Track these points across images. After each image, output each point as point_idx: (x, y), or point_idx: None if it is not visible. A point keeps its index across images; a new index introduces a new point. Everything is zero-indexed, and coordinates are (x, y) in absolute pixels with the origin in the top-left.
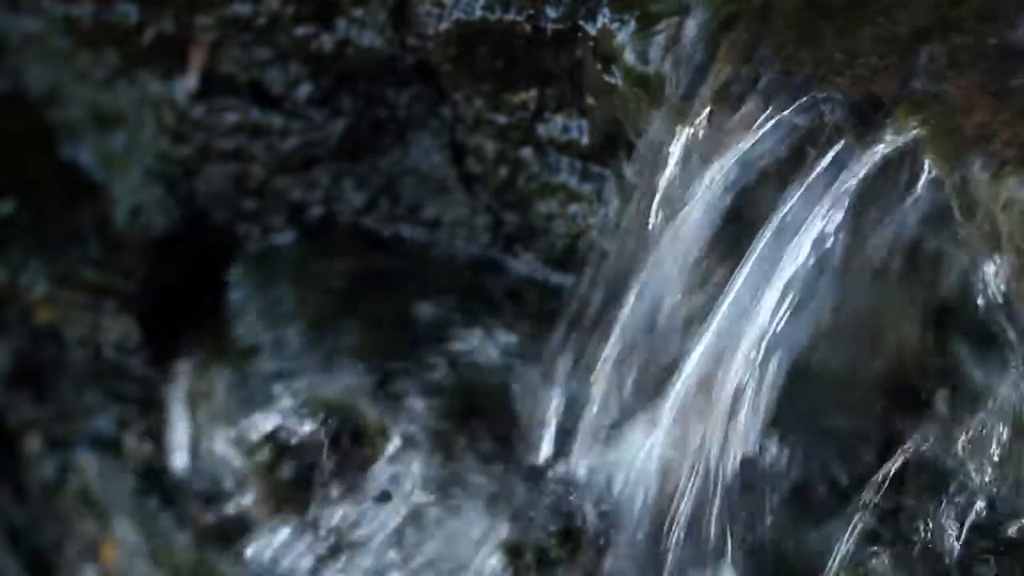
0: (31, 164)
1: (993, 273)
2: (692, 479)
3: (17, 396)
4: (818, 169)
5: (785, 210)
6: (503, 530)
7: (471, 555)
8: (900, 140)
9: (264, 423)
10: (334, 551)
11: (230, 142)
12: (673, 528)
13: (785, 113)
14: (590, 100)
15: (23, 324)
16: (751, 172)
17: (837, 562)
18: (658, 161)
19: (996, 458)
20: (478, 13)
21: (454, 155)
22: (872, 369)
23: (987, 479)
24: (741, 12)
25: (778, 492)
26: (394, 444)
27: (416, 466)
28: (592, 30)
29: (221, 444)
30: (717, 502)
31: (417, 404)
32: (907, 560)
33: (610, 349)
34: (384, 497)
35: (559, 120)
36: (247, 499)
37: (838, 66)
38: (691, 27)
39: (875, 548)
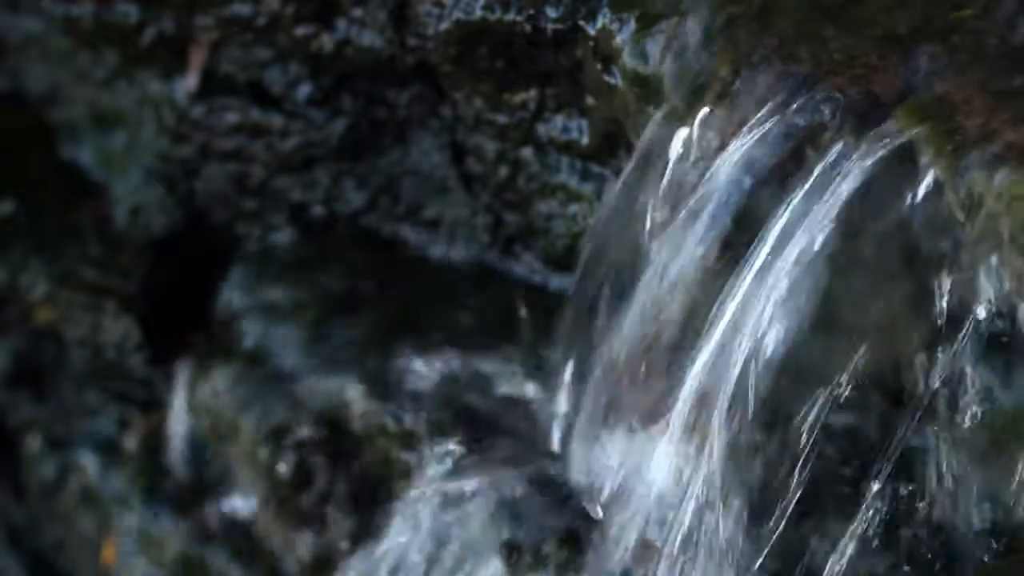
0: (31, 164)
1: (994, 273)
2: (696, 480)
3: (17, 396)
4: (818, 169)
5: (785, 210)
6: (506, 533)
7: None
8: (900, 140)
9: (264, 423)
10: None
11: (230, 142)
12: (675, 530)
13: (785, 113)
14: (590, 100)
15: (23, 324)
16: (751, 172)
17: (839, 564)
18: (658, 162)
19: (996, 458)
20: (478, 13)
21: (454, 155)
22: (872, 369)
23: (987, 480)
24: (741, 12)
25: (781, 493)
26: (394, 442)
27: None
28: (592, 30)
29: (221, 444)
30: (721, 501)
31: (418, 403)
32: (908, 562)
33: (614, 349)
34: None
35: (559, 120)
36: (247, 499)
37: (838, 65)
38: (691, 27)
39: (876, 550)
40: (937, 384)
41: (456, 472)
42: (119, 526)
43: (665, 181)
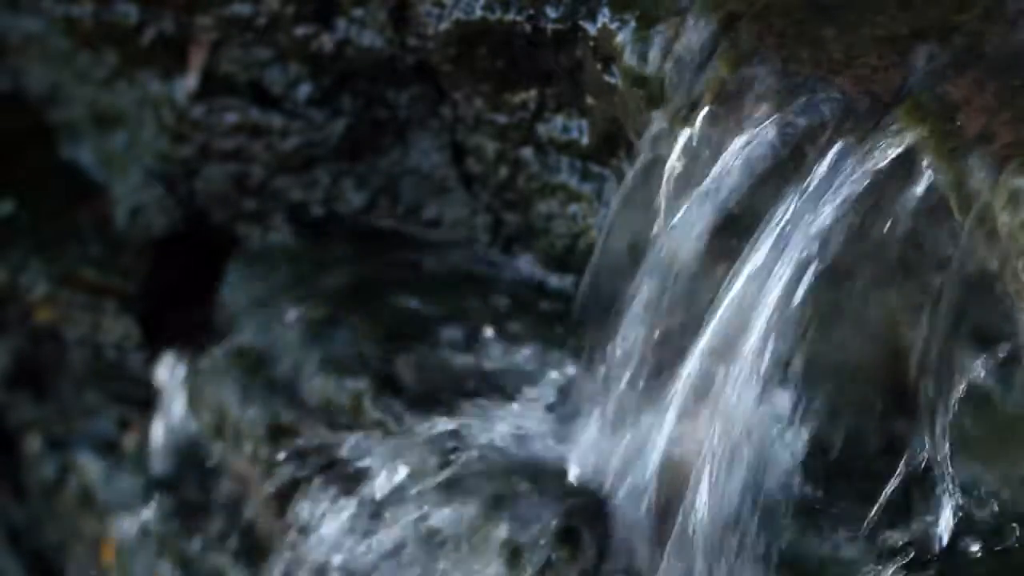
0: (31, 164)
1: (994, 273)
2: (698, 478)
3: (17, 396)
4: (818, 169)
5: (785, 210)
6: (505, 529)
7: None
8: (900, 140)
9: (264, 423)
10: None
11: (230, 142)
12: (677, 526)
13: (785, 113)
14: (590, 100)
15: (23, 324)
16: (751, 172)
17: (839, 565)
18: (659, 161)
19: (995, 459)
20: (478, 13)
21: (454, 155)
22: (872, 369)
23: (986, 479)
24: (741, 12)
25: (782, 494)
26: (394, 443)
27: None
28: (592, 30)
29: (221, 444)
30: (722, 503)
31: (418, 403)
32: (908, 562)
33: (613, 347)
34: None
35: (559, 120)
36: (247, 499)
37: (838, 66)
38: (691, 27)
39: (877, 551)
40: (937, 383)
41: (458, 468)
42: (119, 526)
43: (667, 181)
